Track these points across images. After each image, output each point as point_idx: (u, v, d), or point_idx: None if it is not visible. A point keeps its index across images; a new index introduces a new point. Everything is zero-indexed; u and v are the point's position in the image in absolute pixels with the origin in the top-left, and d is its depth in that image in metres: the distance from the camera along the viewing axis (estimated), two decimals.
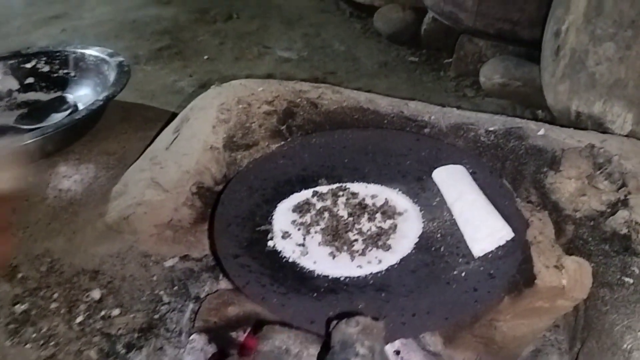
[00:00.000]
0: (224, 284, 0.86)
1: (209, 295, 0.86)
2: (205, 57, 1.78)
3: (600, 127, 1.09)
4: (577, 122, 1.13)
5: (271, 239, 0.75)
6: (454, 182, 0.79)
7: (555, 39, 1.15)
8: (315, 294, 0.67)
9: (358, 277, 0.70)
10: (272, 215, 0.78)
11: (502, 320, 0.74)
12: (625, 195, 0.78)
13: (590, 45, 1.06)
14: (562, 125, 1.01)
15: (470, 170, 0.81)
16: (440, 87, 1.59)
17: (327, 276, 0.70)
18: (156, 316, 0.85)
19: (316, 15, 2.10)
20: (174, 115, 1.15)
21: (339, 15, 2.09)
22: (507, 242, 0.70)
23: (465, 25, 1.52)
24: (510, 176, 0.87)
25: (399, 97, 1.00)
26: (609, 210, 0.78)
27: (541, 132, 0.89)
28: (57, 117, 1.28)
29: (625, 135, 0.98)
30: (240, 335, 0.81)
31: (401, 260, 0.71)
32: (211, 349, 0.79)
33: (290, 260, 0.72)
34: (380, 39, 1.87)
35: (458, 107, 0.98)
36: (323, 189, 0.82)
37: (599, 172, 0.81)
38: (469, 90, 1.54)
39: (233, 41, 1.88)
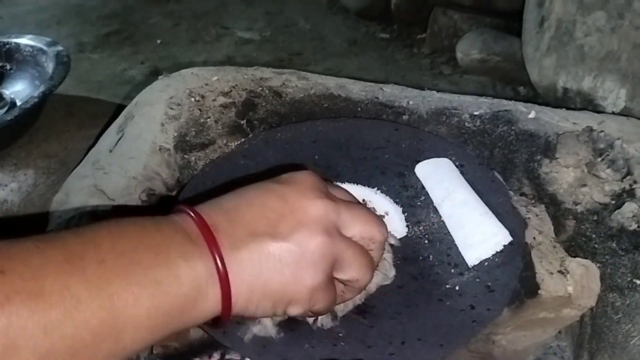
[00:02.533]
0: None
1: None
2: (159, 41, 1.65)
3: (591, 104, 1.01)
4: (564, 99, 1.05)
5: None
6: (441, 178, 0.69)
7: (538, 9, 1.05)
8: (286, 323, 0.57)
9: None
10: None
11: (502, 334, 0.65)
12: (631, 185, 0.69)
13: (579, 14, 0.97)
14: (545, 103, 0.92)
15: (457, 163, 0.72)
16: (414, 65, 1.49)
17: None
18: None
19: None
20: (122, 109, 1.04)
21: None
22: (505, 246, 0.61)
23: None
24: (499, 166, 0.78)
25: (371, 78, 0.91)
26: (613, 202, 0.69)
27: (532, 115, 0.80)
28: None
29: (621, 114, 0.90)
30: None
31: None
32: None
33: None
34: (348, 15, 1.76)
35: (437, 89, 0.88)
36: None
37: (599, 158, 0.72)
38: (445, 67, 1.45)
39: (188, 22, 1.75)
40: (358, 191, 0.70)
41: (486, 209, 0.64)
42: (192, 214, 0.43)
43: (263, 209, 0.44)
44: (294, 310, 0.46)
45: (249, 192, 0.47)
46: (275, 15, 1.79)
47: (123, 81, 1.44)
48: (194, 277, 0.40)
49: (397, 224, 0.67)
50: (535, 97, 1.19)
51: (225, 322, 0.44)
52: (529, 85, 1.23)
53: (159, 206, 0.77)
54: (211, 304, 0.41)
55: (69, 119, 1.11)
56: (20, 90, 1.21)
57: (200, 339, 0.71)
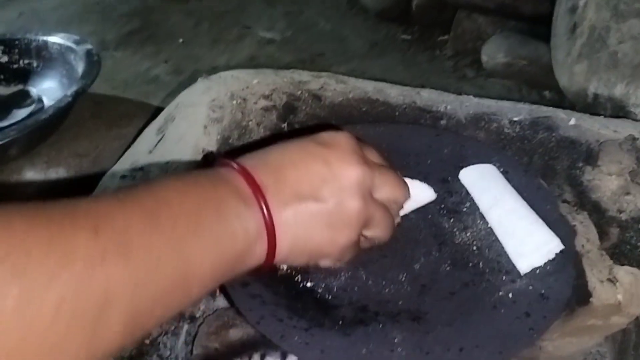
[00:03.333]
0: (221, 301, 0.76)
1: (207, 316, 0.77)
2: (180, 40, 1.65)
3: (622, 111, 1.01)
4: (595, 105, 1.05)
5: None
6: (487, 185, 0.69)
7: (570, 15, 1.06)
8: (341, 327, 0.57)
9: (388, 302, 0.60)
10: None
11: (549, 340, 0.66)
12: None
13: (613, 21, 0.97)
14: (572, 108, 0.93)
15: (502, 169, 0.72)
16: (437, 67, 1.49)
17: (353, 304, 0.60)
18: (147, 341, 0.76)
19: None
20: (153, 110, 1.04)
21: None
22: (556, 255, 0.61)
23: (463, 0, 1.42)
24: (540, 172, 0.78)
25: (396, 80, 0.91)
26: None
27: (572, 122, 0.80)
28: (19, 114, 1.15)
29: None
30: None
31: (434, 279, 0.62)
32: None
33: (308, 285, 0.62)
34: (368, 16, 1.76)
35: (462, 92, 0.88)
36: None
37: None
38: (469, 70, 1.45)
39: (209, 22, 1.74)
40: None
41: (536, 216, 0.64)
42: (241, 171, 0.46)
43: (307, 172, 0.49)
44: (325, 263, 0.54)
45: (293, 151, 0.50)
46: (295, 16, 1.79)
47: (148, 80, 1.44)
48: (246, 235, 0.45)
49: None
50: (561, 101, 1.19)
51: (264, 271, 0.51)
52: (554, 89, 1.23)
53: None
54: (257, 257, 0.47)
55: (98, 118, 1.11)
56: (47, 88, 1.21)
57: (240, 339, 0.72)
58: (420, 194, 0.70)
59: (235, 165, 0.47)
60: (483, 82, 1.38)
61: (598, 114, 0.88)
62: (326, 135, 0.52)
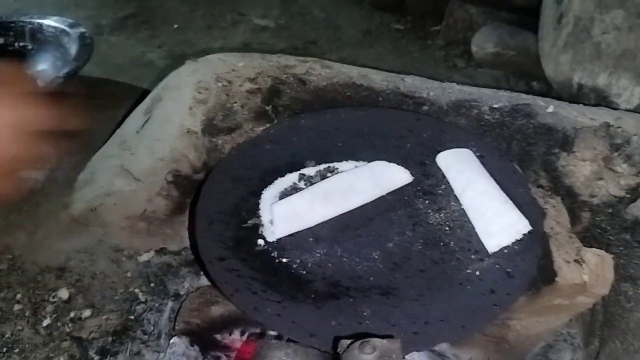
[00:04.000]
0: (205, 279, 0.78)
1: (190, 293, 0.79)
2: (175, 25, 1.65)
3: (604, 100, 1.03)
4: (579, 95, 1.07)
5: (261, 234, 0.67)
6: (462, 168, 0.71)
7: (557, 6, 1.07)
8: (313, 301, 0.59)
9: (360, 278, 0.62)
10: (259, 207, 0.70)
11: (517, 319, 0.68)
12: None
13: (597, 12, 0.98)
14: (559, 98, 0.94)
15: (478, 154, 0.74)
16: (428, 56, 1.50)
17: (326, 279, 0.62)
18: (131, 317, 0.78)
19: None
20: (144, 92, 1.05)
21: None
22: (524, 235, 0.63)
23: None
24: (517, 158, 0.80)
25: (386, 69, 0.92)
26: (628, 195, 0.72)
27: (550, 109, 0.82)
28: None
29: (635, 111, 0.92)
30: (226, 338, 0.74)
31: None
32: (194, 353, 0.72)
33: (284, 261, 0.64)
34: (362, 5, 1.77)
35: (451, 81, 0.90)
36: (310, 171, 0.74)
37: (616, 153, 0.75)
38: (459, 60, 1.46)
39: (204, 8, 1.75)
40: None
41: (507, 198, 0.66)
42: None
43: None
44: None
45: None
46: (290, 3, 1.79)
47: (141, 64, 1.45)
48: None
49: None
50: (549, 91, 1.20)
51: None
52: (542, 80, 1.24)
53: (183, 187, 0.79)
54: None
55: (91, 100, 1.13)
56: (41, 70, 1.22)
57: (220, 316, 0.74)
58: (397, 176, 0.72)
59: None
60: (473, 72, 1.39)
61: (583, 104, 0.90)
62: None
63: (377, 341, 0.44)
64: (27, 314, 0.78)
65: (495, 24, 1.40)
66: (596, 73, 1.01)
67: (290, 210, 0.67)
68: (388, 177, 0.73)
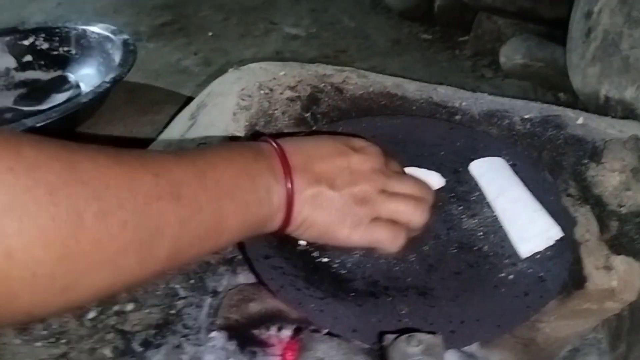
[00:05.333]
0: (242, 277, 0.81)
1: (229, 290, 0.82)
2: (210, 33, 1.70)
3: (632, 113, 1.05)
4: (606, 107, 1.09)
5: None
6: (495, 176, 0.74)
7: (585, 20, 1.10)
8: (354, 298, 0.63)
9: (397, 278, 0.66)
10: None
11: (546, 322, 0.70)
12: None
13: (626, 27, 1.00)
14: (585, 110, 0.96)
15: (510, 162, 0.77)
16: (456, 66, 1.53)
17: (365, 279, 0.65)
18: (172, 312, 0.81)
19: None
20: (184, 98, 1.10)
21: None
22: (556, 241, 0.66)
23: (483, 2, 1.46)
24: (547, 167, 0.83)
25: (415, 78, 0.96)
26: None
27: (580, 121, 0.85)
28: (58, 98, 1.23)
29: None
30: (263, 333, 0.78)
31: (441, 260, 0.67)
32: (232, 347, 0.75)
33: (324, 260, 0.67)
34: (391, 15, 1.80)
35: (479, 91, 0.93)
36: None
37: None
38: (487, 70, 1.49)
39: (238, 16, 1.80)
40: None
41: (539, 205, 0.69)
42: (278, 152, 0.55)
43: (331, 165, 0.58)
44: (334, 243, 0.63)
45: (325, 146, 0.60)
46: (320, 13, 1.83)
47: (178, 70, 1.50)
48: (270, 205, 0.54)
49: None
50: (575, 103, 1.23)
51: (278, 234, 0.60)
52: (569, 92, 1.27)
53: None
54: (275, 224, 0.57)
55: (132, 105, 1.18)
56: (85, 74, 1.28)
57: (258, 312, 0.77)
58: (430, 180, 0.76)
59: (275, 145, 0.56)
60: (500, 82, 1.41)
61: (608, 115, 0.92)
62: (357, 142, 0.63)
63: (422, 335, 0.47)
64: None
65: (523, 35, 1.42)
66: (623, 86, 1.03)
67: None
68: (422, 180, 0.76)
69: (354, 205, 0.58)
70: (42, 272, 0.38)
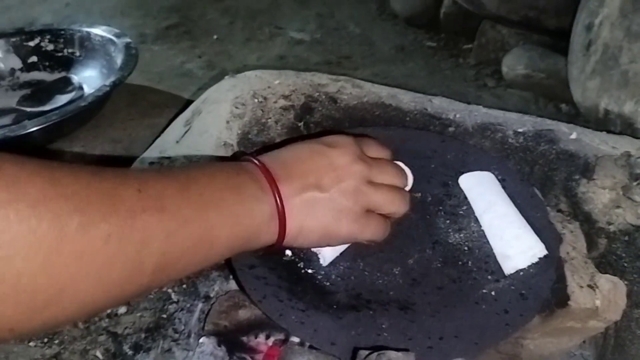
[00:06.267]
0: (234, 283, 0.82)
1: (219, 296, 0.83)
2: (215, 37, 1.71)
3: (630, 128, 1.04)
4: (605, 121, 1.08)
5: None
6: (483, 191, 0.74)
7: (586, 32, 1.09)
8: (335, 311, 0.63)
9: (380, 291, 0.66)
10: None
11: (530, 338, 0.70)
12: None
13: (625, 41, 1.00)
14: (586, 122, 0.96)
15: (499, 177, 0.77)
16: (459, 75, 1.53)
17: (348, 291, 0.66)
18: (164, 315, 0.82)
19: None
20: (184, 102, 1.11)
21: None
22: (540, 259, 0.66)
23: (488, 10, 1.45)
24: (539, 182, 0.83)
25: (417, 85, 0.96)
26: None
27: (573, 136, 0.84)
28: (61, 99, 1.24)
29: None
30: (252, 340, 0.78)
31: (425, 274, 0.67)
32: (220, 353, 0.76)
33: (309, 271, 0.68)
34: (396, 22, 1.80)
35: (480, 100, 0.93)
36: None
37: (635, 183, 0.76)
38: (489, 79, 1.48)
39: (243, 20, 1.81)
40: None
41: (525, 222, 0.69)
42: (259, 165, 0.56)
43: (312, 166, 0.58)
44: (335, 242, 0.63)
45: (302, 150, 0.60)
46: (326, 18, 1.84)
47: (181, 73, 1.51)
48: (261, 215, 0.54)
49: None
50: (577, 115, 1.22)
51: (277, 249, 0.60)
52: (571, 102, 1.26)
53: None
54: (270, 236, 0.56)
55: (133, 107, 1.19)
56: (88, 76, 1.29)
57: (248, 319, 0.78)
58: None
59: (255, 160, 0.56)
60: (502, 92, 1.40)
61: (608, 129, 0.92)
62: (329, 138, 0.62)
63: (392, 354, 0.48)
64: None
65: (526, 45, 1.41)
66: (623, 100, 1.02)
67: None
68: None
69: (345, 201, 0.58)
70: (24, 286, 0.38)
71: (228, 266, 0.77)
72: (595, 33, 1.06)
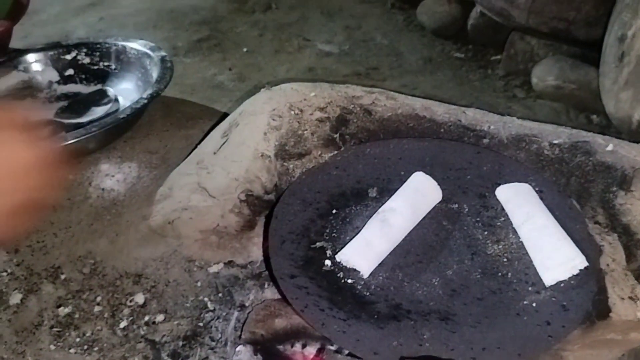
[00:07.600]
0: (269, 293, 0.83)
1: (255, 305, 0.84)
2: (245, 49, 1.74)
3: None
4: (638, 132, 1.08)
5: (328, 256, 0.72)
6: (521, 203, 0.75)
7: (619, 44, 1.09)
8: (376, 321, 0.64)
9: (420, 302, 0.66)
10: (326, 230, 0.75)
11: (570, 350, 0.70)
12: None
13: None
14: (618, 133, 0.95)
15: (537, 189, 0.77)
16: (488, 86, 1.53)
17: (388, 301, 0.66)
18: (201, 324, 0.83)
19: (357, 6, 2.04)
20: (217, 114, 1.12)
21: (381, 6, 2.03)
22: (581, 271, 0.66)
23: (517, 22, 1.45)
24: (575, 194, 0.82)
25: (446, 97, 0.97)
26: None
27: (610, 148, 0.84)
28: (97, 111, 1.26)
29: None
30: (288, 349, 0.79)
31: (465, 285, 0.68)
32: None
33: (349, 282, 0.69)
34: (424, 33, 1.81)
35: (510, 112, 0.93)
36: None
37: None
38: (519, 90, 1.48)
39: (272, 33, 1.83)
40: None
41: (564, 234, 0.69)
42: None
43: None
44: None
45: None
46: (353, 30, 1.85)
47: (213, 85, 1.53)
48: None
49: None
50: (608, 126, 1.21)
51: None
52: (602, 114, 1.25)
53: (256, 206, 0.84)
54: None
55: (168, 119, 1.20)
56: (123, 89, 1.31)
57: (284, 328, 0.79)
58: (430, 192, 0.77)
59: None
60: (532, 103, 1.40)
61: None
62: None
63: None
64: (106, 315, 0.84)
65: (556, 56, 1.41)
66: None
67: (362, 252, 0.71)
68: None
69: None
70: None
71: (269, 274, 0.79)
72: (628, 44, 1.06)
